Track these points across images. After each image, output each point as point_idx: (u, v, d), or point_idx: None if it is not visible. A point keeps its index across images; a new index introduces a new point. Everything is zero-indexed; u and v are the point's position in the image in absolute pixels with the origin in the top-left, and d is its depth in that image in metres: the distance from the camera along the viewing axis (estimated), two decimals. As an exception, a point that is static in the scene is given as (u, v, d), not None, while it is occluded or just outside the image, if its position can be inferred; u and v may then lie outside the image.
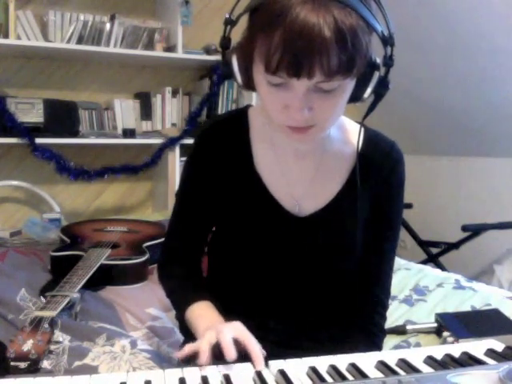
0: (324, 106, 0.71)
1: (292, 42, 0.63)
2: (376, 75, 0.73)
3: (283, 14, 0.63)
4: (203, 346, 0.69)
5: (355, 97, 0.75)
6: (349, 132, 0.90)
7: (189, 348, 0.71)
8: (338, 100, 0.72)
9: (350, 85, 0.72)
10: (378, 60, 0.73)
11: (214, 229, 0.96)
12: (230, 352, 0.66)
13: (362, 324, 0.90)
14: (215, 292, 0.96)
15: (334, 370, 0.65)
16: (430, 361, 0.69)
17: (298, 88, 0.68)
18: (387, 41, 0.71)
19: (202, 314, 0.85)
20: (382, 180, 0.89)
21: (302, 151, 0.88)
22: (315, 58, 0.64)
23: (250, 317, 0.90)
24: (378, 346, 0.90)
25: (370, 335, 0.90)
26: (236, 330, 0.72)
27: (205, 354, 0.68)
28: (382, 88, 0.74)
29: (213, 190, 0.90)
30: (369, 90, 0.74)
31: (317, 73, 0.65)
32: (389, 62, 0.73)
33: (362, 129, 0.84)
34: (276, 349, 0.86)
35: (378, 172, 0.88)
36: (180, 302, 0.92)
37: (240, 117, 0.92)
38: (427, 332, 1.27)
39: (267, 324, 0.90)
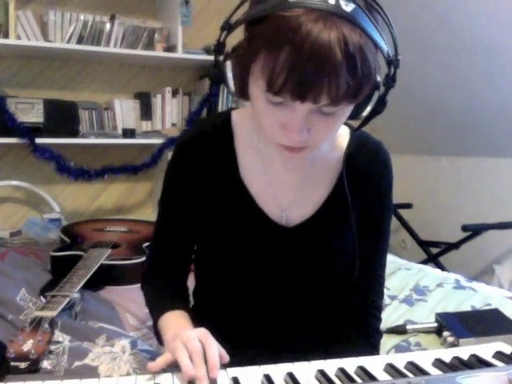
0: (323, 127, 0.68)
1: (300, 63, 0.59)
2: (376, 94, 0.71)
3: (292, 31, 0.59)
4: (159, 361, 0.68)
5: (353, 114, 0.73)
6: (337, 136, 0.87)
7: (159, 362, 0.68)
8: (337, 122, 0.70)
9: (351, 107, 0.70)
10: (379, 78, 0.70)
11: (199, 240, 0.93)
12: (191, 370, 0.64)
13: (358, 328, 0.89)
14: (202, 304, 0.95)
15: (343, 372, 0.65)
16: (439, 363, 0.68)
17: (299, 110, 0.65)
18: (392, 62, 0.68)
19: (170, 324, 0.83)
20: (371, 183, 0.87)
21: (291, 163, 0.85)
22: (324, 83, 0.60)
23: (239, 329, 0.89)
24: (376, 348, 0.90)
25: (368, 337, 0.89)
26: (199, 334, 0.70)
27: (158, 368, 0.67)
28: (379, 106, 0.72)
29: (196, 202, 0.87)
30: (367, 109, 0.72)
31: (323, 98, 0.62)
32: (390, 82, 0.70)
33: (351, 136, 0.82)
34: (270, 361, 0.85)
35: (366, 176, 0.86)
36: (154, 311, 0.90)
37: (224, 123, 0.87)
38: (427, 332, 1.27)
39: (257, 336, 0.89)
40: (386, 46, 0.66)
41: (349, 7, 0.61)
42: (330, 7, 0.60)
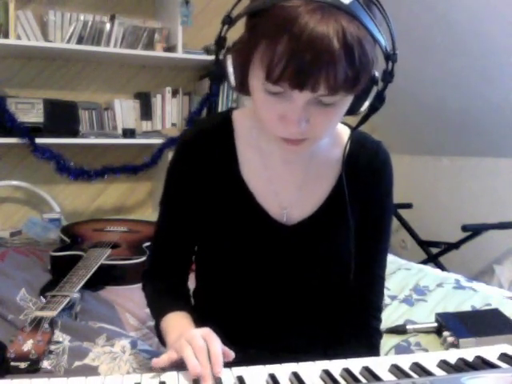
0: (322, 119, 0.69)
1: (299, 52, 0.60)
2: (374, 89, 0.71)
3: (290, 21, 0.60)
4: (162, 359, 0.68)
5: (351, 110, 0.73)
6: (337, 135, 0.87)
7: (164, 358, 0.68)
8: (337, 114, 0.70)
9: (349, 99, 0.70)
10: (377, 74, 0.71)
11: (200, 240, 0.92)
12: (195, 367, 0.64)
13: (358, 328, 0.89)
14: (202, 304, 0.95)
15: (348, 373, 0.65)
16: (444, 365, 0.68)
17: (298, 100, 0.66)
18: (390, 56, 0.69)
19: (172, 325, 0.83)
20: (370, 183, 0.87)
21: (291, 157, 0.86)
22: (322, 71, 0.61)
23: (239, 328, 0.89)
24: (376, 348, 0.90)
25: (368, 337, 0.89)
26: (202, 332, 0.70)
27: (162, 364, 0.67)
28: (378, 102, 0.72)
29: (197, 201, 0.87)
30: (366, 104, 0.73)
31: (321, 86, 0.63)
32: (388, 77, 0.70)
33: (351, 135, 0.82)
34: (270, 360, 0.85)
35: (365, 175, 0.87)
36: (156, 312, 0.90)
37: (224, 122, 0.88)
38: (427, 332, 1.27)
39: (258, 335, 0.89)
40: (383, 40, 0.67)
41: (347, 0, 0.61)
42: None
